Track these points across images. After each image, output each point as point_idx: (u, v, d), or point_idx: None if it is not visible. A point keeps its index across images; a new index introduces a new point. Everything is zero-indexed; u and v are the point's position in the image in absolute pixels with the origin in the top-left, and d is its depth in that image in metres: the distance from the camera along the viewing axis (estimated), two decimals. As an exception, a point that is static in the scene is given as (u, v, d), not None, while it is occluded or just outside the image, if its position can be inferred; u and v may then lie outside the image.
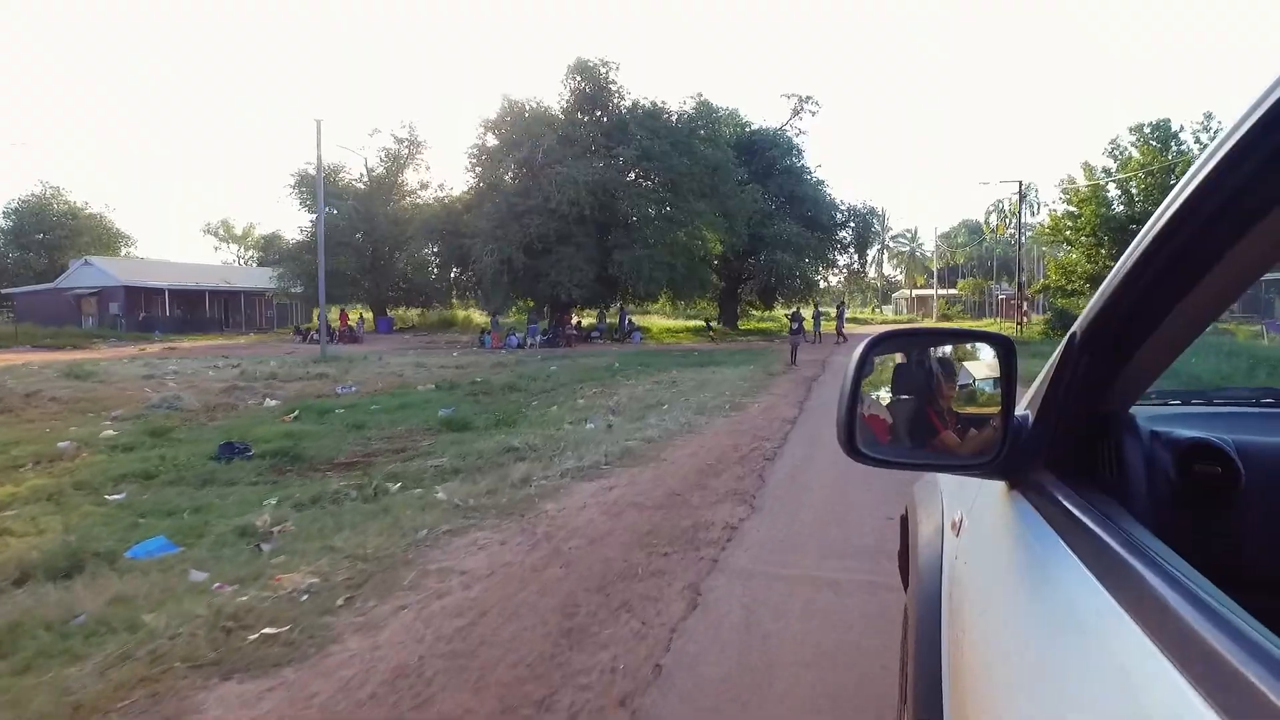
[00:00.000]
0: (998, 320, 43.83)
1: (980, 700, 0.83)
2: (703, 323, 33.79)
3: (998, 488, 1.07)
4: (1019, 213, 28.29)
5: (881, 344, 1.11)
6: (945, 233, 64.25)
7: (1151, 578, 0.60)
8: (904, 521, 1.82)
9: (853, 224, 34.19)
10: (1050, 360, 0.96)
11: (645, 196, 25.33)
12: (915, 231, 74.00)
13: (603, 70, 27.04)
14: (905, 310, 67.35)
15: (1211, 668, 0.46)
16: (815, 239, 31.39)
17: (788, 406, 10.07)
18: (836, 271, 37.67)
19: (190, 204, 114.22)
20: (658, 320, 40.78)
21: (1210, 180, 0.59)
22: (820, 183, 34.30)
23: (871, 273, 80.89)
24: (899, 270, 76.63)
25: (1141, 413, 1.12)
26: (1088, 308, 0.86)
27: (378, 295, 35.09)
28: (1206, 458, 1.02)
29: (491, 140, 27.16)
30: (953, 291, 64.58)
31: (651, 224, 25.48)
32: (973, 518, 1.18)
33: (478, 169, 27.60)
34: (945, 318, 54.53)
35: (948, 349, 1.21)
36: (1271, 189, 0.55)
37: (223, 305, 37.84)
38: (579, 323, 29.25)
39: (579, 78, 26.94)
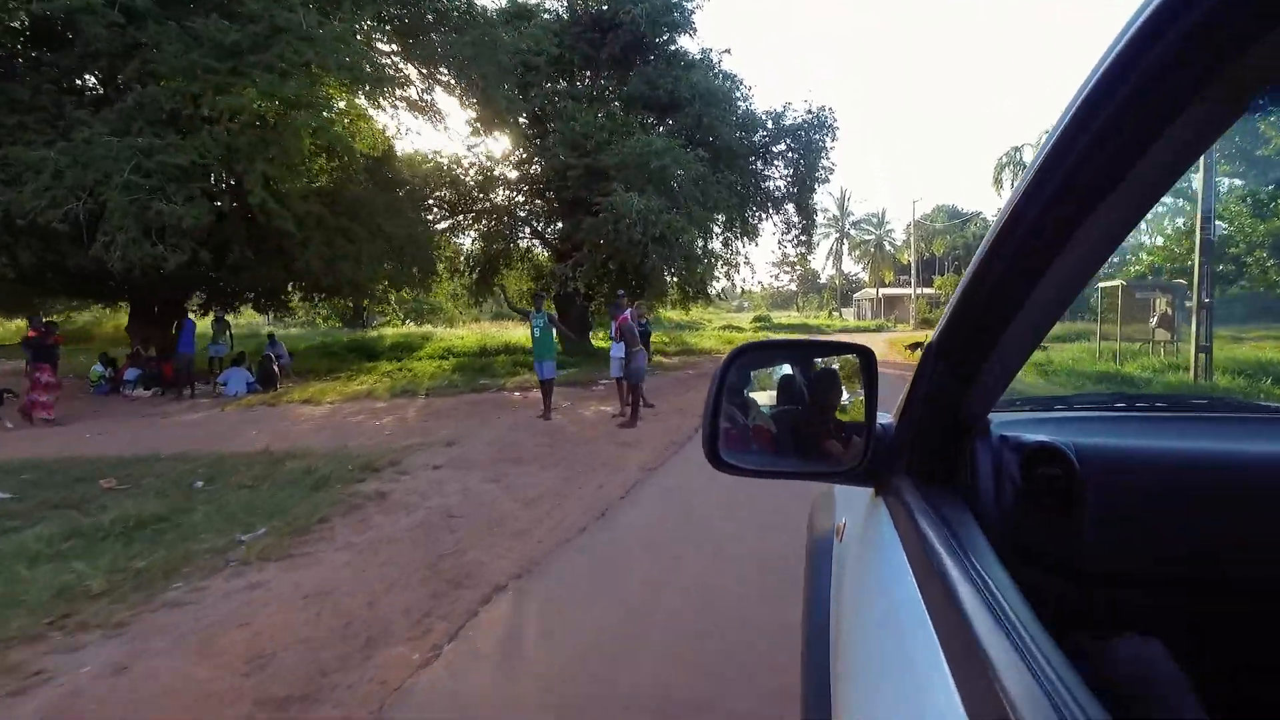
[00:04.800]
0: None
1: (839, 700, 0.88)
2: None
3: (869, 494, 1.11)
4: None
5: (742, 356, 1.10)
6: (920, 219, 49.23)
7: (955, 578, 0.63)
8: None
9: (788, 148, 18.14)
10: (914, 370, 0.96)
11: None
12: (883, 215, 59.07)
13: None
14: (871, 314, 52.52)
15: (970, 664, 0.50)
16: (708, 172, 15.37)
17: None
18: (764, 247, 21.53)
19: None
20: (504, 334, 24.31)
21: (1023, 202, 0.63)
22: (729, 79, 18.33)
23: (829, 268, 66.14)
24: (863, 265, 61.78)
25: (999, 419, 1.13)
26: (941, 318, 0.87)
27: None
28: (1048, 460, 1.01)
29: None
30: (929, 291, 49.59)
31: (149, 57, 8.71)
32: (851, 523, 1.25)
33: None
34: (928, 323, 40.00)
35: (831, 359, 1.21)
36: (1077, 206, 0.58)
37: None
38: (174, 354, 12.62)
39: None
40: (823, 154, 17.88)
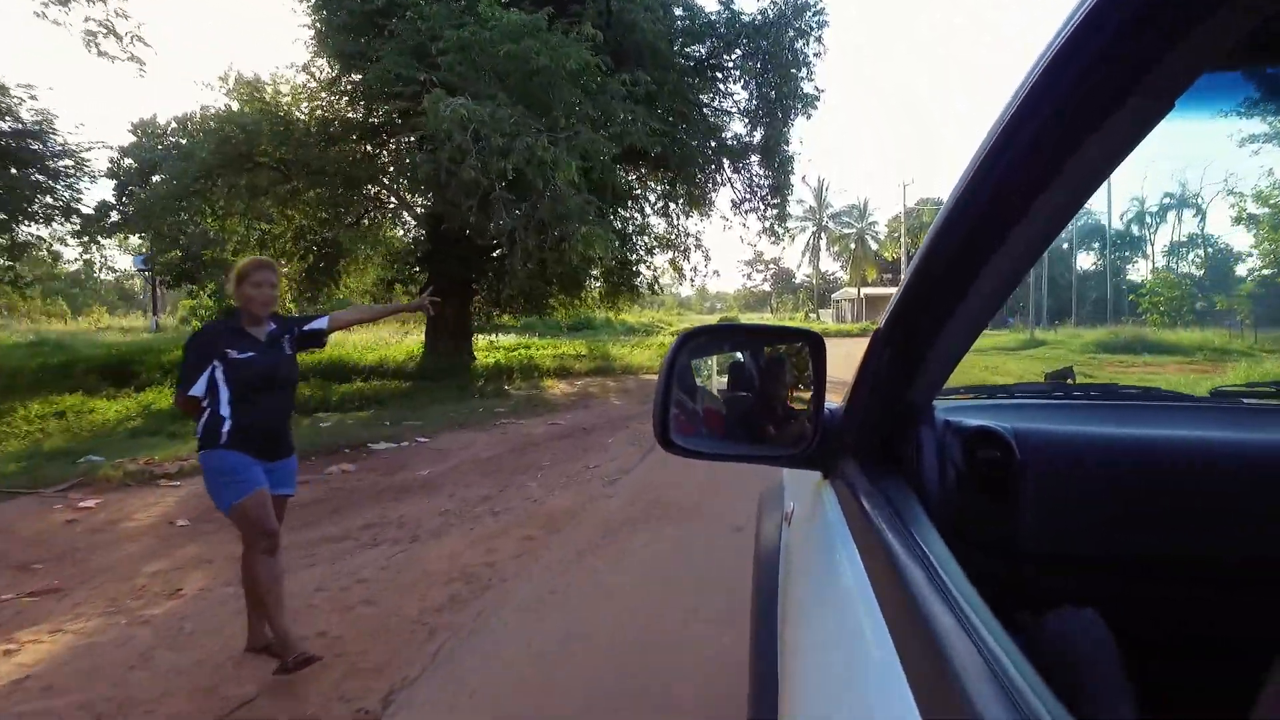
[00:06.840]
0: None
1: (786, 676, 0.89)
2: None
3: (816, 478, 1.13)
4: None
5: (691, 340, 1.10)
6: (909, 210, 43.49)
7: (899, 554, 0.65)
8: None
9: (745, 56, 11.78)
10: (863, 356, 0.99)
11: None
12: (864, 206, 53.28)
13: None
14: (852, 316, 46.82)
15: (913, 635, 0.52)
16: (602, 69, 9.08)
17: None
18: (734, 240, 14.95)
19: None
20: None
21: (967, 194, 0.63)
22: (661, -37, 12.00)
23: (805, 265, 59.87)
24: (842, 263, 56.01)
25: (943, 404, 1.18)
26: (888, 306, 0.87)
27: None
28: (989, 444, 1.04)
29: None
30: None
31: None
32: (799, 508, 1.27)
33: None
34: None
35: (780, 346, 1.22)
36: (1018, 197, 0.58)
37: None
38: None
39: None
40: (802, 66, 11.55)
